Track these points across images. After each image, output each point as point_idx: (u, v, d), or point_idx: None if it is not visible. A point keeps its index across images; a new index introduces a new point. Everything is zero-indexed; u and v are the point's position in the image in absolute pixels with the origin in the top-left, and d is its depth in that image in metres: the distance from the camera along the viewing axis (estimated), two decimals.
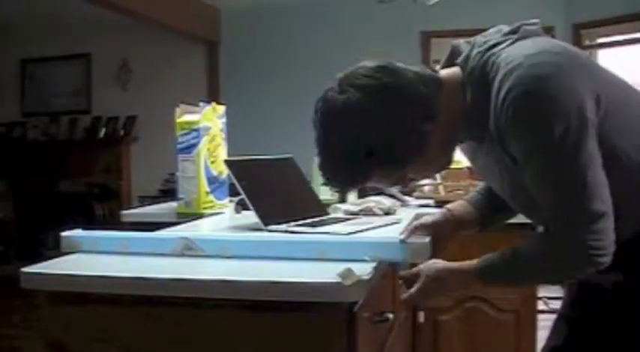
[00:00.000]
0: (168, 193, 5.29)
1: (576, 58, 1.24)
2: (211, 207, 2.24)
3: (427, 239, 1.32)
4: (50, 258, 1.33)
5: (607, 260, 1.18)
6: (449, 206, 1.52)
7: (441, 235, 1.44)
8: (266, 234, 1.66)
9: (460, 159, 1.59)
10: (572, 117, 1.14)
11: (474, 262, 1.30)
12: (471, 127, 1.29)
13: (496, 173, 1.34)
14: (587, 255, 1.17)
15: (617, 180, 1.20)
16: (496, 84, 1.20)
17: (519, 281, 1.32)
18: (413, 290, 1.37)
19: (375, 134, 1.22)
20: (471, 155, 1.45)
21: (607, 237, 1.17)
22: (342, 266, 1.12)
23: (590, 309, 1.40)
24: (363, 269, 1.15)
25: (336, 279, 1.09)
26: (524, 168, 1.20)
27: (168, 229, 1.79)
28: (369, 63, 1.26)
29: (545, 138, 1.15)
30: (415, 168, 1.31)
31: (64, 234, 1.44)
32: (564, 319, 1.49)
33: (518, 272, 1.28)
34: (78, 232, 1.46)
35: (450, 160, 1.36)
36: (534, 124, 1.16)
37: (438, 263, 1.36)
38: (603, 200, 1.16)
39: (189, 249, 1.35)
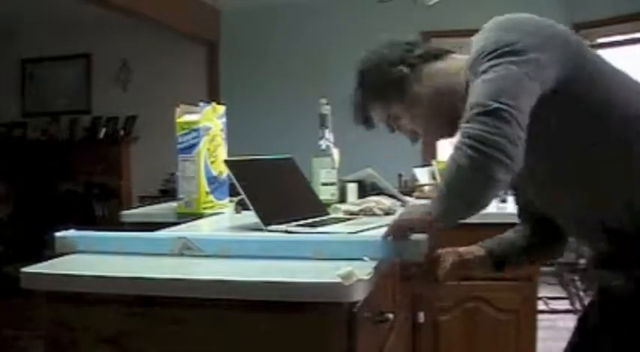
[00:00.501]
0: (168, 193, 5.29)
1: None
2: (211, 207, 2.24)
3: (423, 236, 1.32)
4: (50, 258, 1.33)
5: (509, 162, 1.16)
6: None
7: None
8: (266, 234, 1.66)
9: None
10: (528, 40, 1.24)
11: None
12: None
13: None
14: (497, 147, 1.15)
15: (605, 160, 1.24)
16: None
17: (456, 196, 1.23)
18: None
19: (368, 66, 1.50)
20: None
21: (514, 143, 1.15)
22: (342, 267, 1.12)
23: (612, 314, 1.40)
24: (363, 270, 1.15)
25: (336, 279, 1.09)
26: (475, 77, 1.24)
27: (167, 229, 1.79)
28: None
29: (500, 40, 1.23)
30: (402, 114, 1.45)
31: (58, 234, 1.43)
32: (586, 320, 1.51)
33: (451, 183, 1.23)
34: (72, 232, 1.45)
35: (449, 133, 1.40)
36: (495, 30, 1.29)
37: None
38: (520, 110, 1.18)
39: (187, 249, 1.35)
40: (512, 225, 1.57)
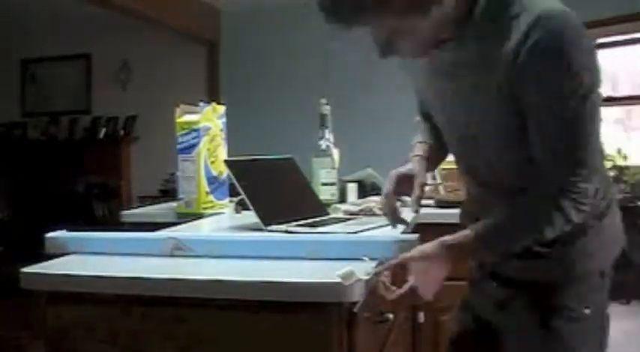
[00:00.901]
0: (168, 193, 5.28)
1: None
2: (211, 207, 2.24)
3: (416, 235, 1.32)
4: (50, 258, 1.33)
5: (579, 219, 1.23)
6: (417, 152, 1.51)
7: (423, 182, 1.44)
8: (260, 234, 1.66)
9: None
10: (595, 77, 1.20)
11: (467, 232, 1.26)
12: (462, 38, 1.23)
13: (454, 101, 1.32)
14: (566, 205, 1.20)
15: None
16: (522, 18, 1.16)
17: (510, 243, 1.27)
18: (404, 289, 1.24)
19: None
20: (426, 76, 1.39)
21: (586, 197, 1.22)
22: (342, 267, 1.12)
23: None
24: (363, 270, 1.15)
25: (336, 279, 1.09)
26: (533, 111, 1.20)
27: (167, 229, 1.79)
28: None
29: (572, 84, 1.16)
30: (415, 28, 1.21)
31: (48, 235, 1.42)
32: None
33: (512, 232, 1.26)
34: (63, 233, 1.44)
35: (424, 52, 1.29)
36: (563, 68, 1.16)
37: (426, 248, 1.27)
38: (591, 169, 1.22)
39: (178, 249, 1.34)
40: None
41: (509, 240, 1.26)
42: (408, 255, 1.24)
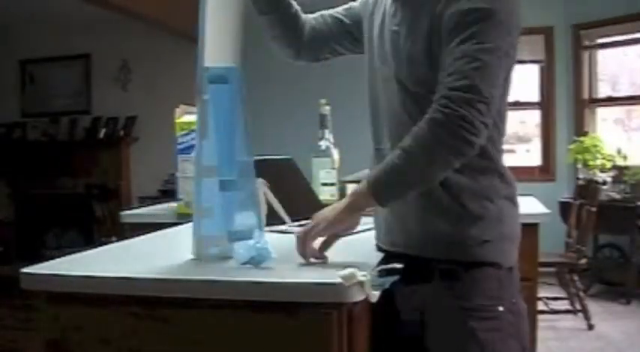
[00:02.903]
0: (168, 194, 5.29)
1: None
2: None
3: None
4: (50, 258, 1.33)
5: (478, 141, 1.20)
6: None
7: None
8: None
9: None
10: (515, 16, 1.25)
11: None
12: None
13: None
14: (465, 127, 1.18)
15: None
16: None
17: (408, 177, 1.24)
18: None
19: None
20: (367, 22, 1.48)
21: (485, 122, 1.20)
22: (343, 268, 1.12)
23: None
24: (365, 271, 1.15)
25: (336, 280, 1.09)
26: (448, 34, 1.23)
27: (166, 229, 1.79)
28: None
29: (491, 6, 1.21)
30: None
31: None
32: None
33: (405, 164, 1.23)
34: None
35: None
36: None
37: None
38: (494, 95, 1.21)
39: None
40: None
41: (407, 168, 1.23)
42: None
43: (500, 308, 1.30)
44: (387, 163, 1.24)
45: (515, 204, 1.36)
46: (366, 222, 1.83)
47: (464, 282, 1.28)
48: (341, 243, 1.32)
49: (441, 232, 1.29)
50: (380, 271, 1.21)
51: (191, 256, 1.34)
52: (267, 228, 1.69)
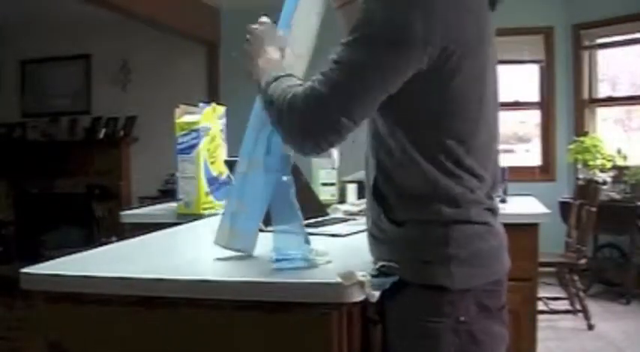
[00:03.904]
0: (168, 194, 5.29)
1: None
2: (211, 208, 2.24)
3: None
4: (50, 258, 1.33)
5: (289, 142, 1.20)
6: None
7: None
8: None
9: None
10: (412, 20, 1.12)
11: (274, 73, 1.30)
12: None
13: None
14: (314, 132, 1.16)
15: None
16: None
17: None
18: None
19: None
20: None
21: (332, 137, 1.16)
22: (343, 268, 1.12)
23: None
24: (364, 272, 1.15)
25: (336, 280, 1.09)
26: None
27: (167, 229, 1.79)
28: None
29: (376, 15, 1.14)
30: None
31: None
32: None
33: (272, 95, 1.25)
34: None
35: None
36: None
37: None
38: (360, 115, 1.16)
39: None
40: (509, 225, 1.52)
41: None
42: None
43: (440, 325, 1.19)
44: (279, 87, 1.25)
45: (471, 225, 1.24)
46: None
47: (399, 300, 1.22)
48: (341, 243, 1.32)
49: (384, 256, 1.25)
50: (379, 271, 1.21)
51: (212, 244, 1.37)
52: (268, 229, 1.70)
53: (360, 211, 2.05)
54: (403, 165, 1.21)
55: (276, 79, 1.26)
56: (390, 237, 1.23)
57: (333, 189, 2.34)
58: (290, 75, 1.29)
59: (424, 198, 1.21)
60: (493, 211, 1.28)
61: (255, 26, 1.48)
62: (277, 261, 1.23)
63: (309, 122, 1.16)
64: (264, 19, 1.48)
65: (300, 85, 1.22)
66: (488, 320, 1.24)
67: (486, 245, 1.24)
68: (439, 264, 1.19)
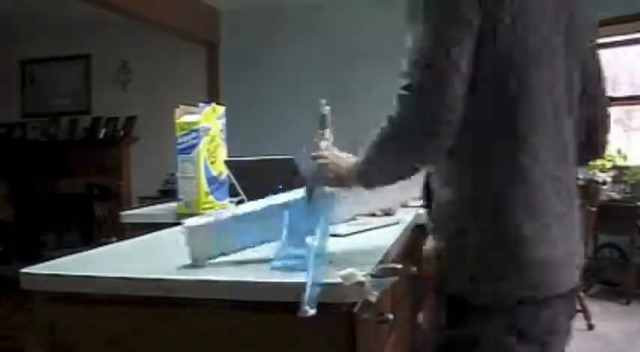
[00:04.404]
0: (168, 194, 5.29)
1: None
2: (211, 208, 2.23)
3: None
4: (50, 258, 1.33)
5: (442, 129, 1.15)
6: None
7: None
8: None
9: None
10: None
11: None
12: None
13: None
14: (433, 113, 1.14)
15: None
16: None
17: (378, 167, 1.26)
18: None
19: None
20: None
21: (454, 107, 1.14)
22: (343, 268, 1.12)
23: None
24: (365, 272, 1.15)
25: (337, 280, 1.09)
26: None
27: (168, 229, 1.79)
28: None
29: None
30: None
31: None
32: None
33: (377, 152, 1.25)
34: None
35: None
36: None
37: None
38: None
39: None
40: None
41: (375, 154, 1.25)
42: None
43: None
44: None
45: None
46: (366, 222, 1.84)
47: None
48: (341, 243, 1.32)
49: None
50: (380, 272, 1.21)
51: None
52: None
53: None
54: None
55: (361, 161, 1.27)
56: None
57: None
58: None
59: None
60: None
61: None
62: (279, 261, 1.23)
63: (419, 119, 1.16)
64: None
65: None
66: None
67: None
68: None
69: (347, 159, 1.37)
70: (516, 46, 1.17)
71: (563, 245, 1.23)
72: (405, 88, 1.16)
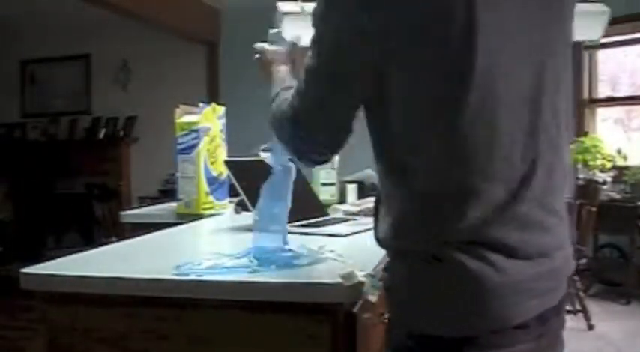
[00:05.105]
0: (168, 194, 5.29)
1: None
2: (211, 208, 2.24)
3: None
4: (50, 258, 1.33)
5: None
6: None
7: None
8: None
9: None
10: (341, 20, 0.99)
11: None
12: None
13: None
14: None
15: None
16: None
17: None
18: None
19: None
20: None
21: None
22: (344, 268, 1.12)
23: None
24: (365, 272, 1.15)
25: (337, 280, 1.09)
26: None
27: (168, 229, 1.79)
28: None
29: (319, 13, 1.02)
30: None
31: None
32: None
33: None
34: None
35: None
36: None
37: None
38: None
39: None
40: None
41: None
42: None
43: None
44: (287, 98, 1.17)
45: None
46: (367, 222, 1.84)
47: None
48: (341, 243, 1.32)
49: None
50: (379, 272, 1.20)
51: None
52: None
53: (361, 211, 2.05)
54: None
55: (277, 94, 1.23)
56: None
57: (333, 189, 2.34)
58: (289, 87, 1.20)
59: None
60: None
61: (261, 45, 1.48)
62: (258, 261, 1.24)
63: (292, 144, 1.14)
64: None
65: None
66: None
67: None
68: None
69: (278, 66, 1.37)
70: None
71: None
72: (288, 111, 1.10)
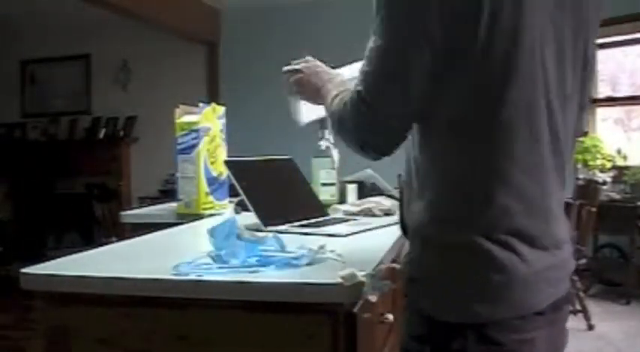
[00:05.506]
0: (168, 194, 5.29)
1: None
2: (211, 208, 2.23)
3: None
4: (50, 258, 1.33)
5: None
6: None
7: None
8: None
9: None
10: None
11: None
12: None
13: None
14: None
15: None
16: None
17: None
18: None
19: None
20: None
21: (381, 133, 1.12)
22: (344, 268, 1.12)
23: None
24: (365, 272, 1.15)
25: (337, 280, 1.09)
26: None
27: (168, 229, 1.79)
28: None
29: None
30: None
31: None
32: None
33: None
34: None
35: None
36: None
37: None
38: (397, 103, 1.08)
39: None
40: None
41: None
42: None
43: None
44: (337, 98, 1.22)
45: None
46: (367, 222, 1.84)
47: None
48: (341, 243, 1.32)
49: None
50: (379, 272, 1.20)
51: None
52: (268, 229, 1.70)
53: (361, 211, 2.05)
54: None
55: (335, 96, 1.24)
56: None
57: (333, 189, 2.34)
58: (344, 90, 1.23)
59: None
60: None
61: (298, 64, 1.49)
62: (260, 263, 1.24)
63: (357, 131, 1.14)
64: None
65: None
66: None
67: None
68: None
69: (325, 77, 1.39)
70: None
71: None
72: (357, 93, 1.11)
